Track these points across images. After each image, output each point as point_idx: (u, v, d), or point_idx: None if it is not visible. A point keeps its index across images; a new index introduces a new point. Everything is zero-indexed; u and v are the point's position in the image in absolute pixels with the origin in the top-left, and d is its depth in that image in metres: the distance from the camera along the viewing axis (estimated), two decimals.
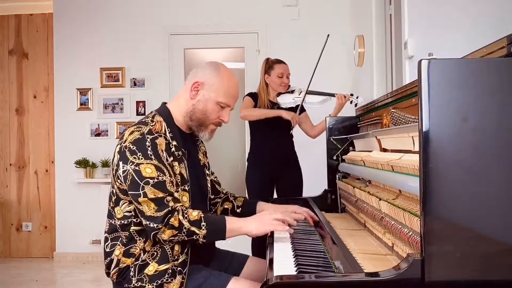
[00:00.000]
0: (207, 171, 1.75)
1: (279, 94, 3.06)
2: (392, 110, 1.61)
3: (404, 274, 0.96)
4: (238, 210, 1.79)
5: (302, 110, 3.10)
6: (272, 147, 3.03)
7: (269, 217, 1.47)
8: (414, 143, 1.34)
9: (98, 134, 4.37)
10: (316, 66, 2.98)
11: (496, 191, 0.94)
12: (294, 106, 3.00)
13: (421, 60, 0.95)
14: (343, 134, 2.26)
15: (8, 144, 4.61)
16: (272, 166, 3.03)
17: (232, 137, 4.89)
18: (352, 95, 2.98)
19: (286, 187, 3.07)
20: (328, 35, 3.00)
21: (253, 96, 3.10)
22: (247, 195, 3.18)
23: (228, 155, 5.03)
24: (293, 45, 4.14)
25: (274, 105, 3.05)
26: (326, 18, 4.18)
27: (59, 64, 4.40)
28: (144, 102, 4.31)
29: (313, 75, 2.99)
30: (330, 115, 2.54)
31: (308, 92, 3.01)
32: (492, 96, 0.94)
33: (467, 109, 0.94)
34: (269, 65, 3.09)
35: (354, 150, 2.20)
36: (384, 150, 1.71)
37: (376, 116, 1.91)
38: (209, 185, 1.74)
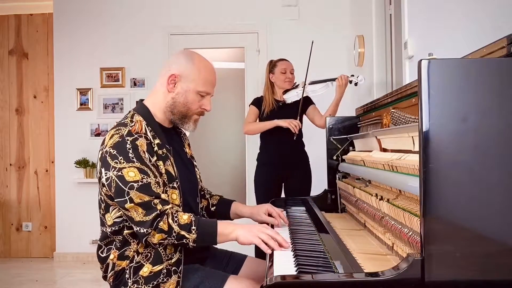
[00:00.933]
0: (194, 162, 1.73)
1: (285, 92, 3.08)
2: (392, 110, 1.61)
3: (404, 274, 0.96)
4: (212, 209, 1.78)
5: (310, 103, 3.11)
6: (280, 147, 3.03)
7: (259, 230, 1.40)
8: (414, 143, 1.34)
9: (98, 134, 4.37)
10: (307, 71, 2.99)
11: (496, 191, 0.94)
12: (298, 99, 3.01)
13: (421, 60, 0.95)
14: (343, 134, 2.26)
15: (8, 144, 4.61)
16: (280, 165, 3.04)
17: (232, 137, 4.89)
18: (352, 75, 2.98)
19: (293, 187, 3.07)
20: (313, 41, 3.01)
21: (257, 102, 3.14)
22: (254, 195, 3.19)
23: (228, 155, 5.03)
24: (293, 45, 4.13)
25: (279, 103, 3.07)
26: (326, 18, 4.19)
27: (59, 64, 4.40)
28: None
29: (306, 75, 2.99)
30: (330, 114, 2.54)
31: (310, 83, 3.03)
32: (492, 96, 0.94)
33: (467, 109, 0.94)
34: (273, 64, 3.16)
35: (354, 150, 2.20)
36: (384, 150, 1.71)
37: (376, 116, 1.91)
38: (198, 176, 1.72)
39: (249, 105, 3.19)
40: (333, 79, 3.00)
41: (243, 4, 4.26)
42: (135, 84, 4.34)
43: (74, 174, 4.34)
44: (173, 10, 4.31)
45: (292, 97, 3.04)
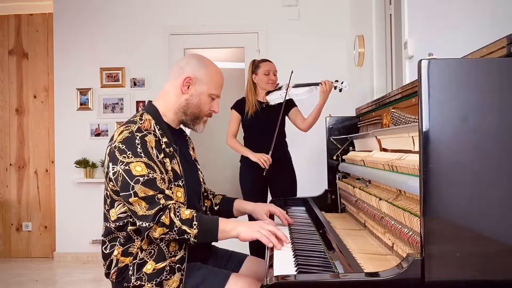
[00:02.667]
0: (198, 166, 1.76)
1: (268, 93, 3.07)
2: (392, 110, 1.61)
3: (404, 274, 0.96)
4: (216, 208, 1.80)
5: (293, 105, 3.11)
6: (263, 149, 3.01)
7: (260, 225, 1.43)
8: (414, 143, 1.34)
9: (98, 134, 4.37)
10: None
11: (496, 191, 0.94)
12: (282, 101, 3.00)
13: (421, 60, 0.95)
14: (343, 134, 2.26)
15: (8, 144, 4.61)
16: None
17: None
18: (337, 81, 2.93)
19: (279, 188, 3.07)
20: (292, 71, 2.96)
21: (239, 105, 3.12)
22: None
23: (227, 155, 5.03)
24: (293, 45, 4.14)
25: (262, 105, 3.06)
26: (326, 18, 4.19)
27: (59, 64, 4.40)
28: (144, 102, 4.31)
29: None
30: (330, 115, 2.54)
31: (294, 86, 3.01)
32: (492, 96, 0.94)
33: (467, 109, 0.94)
34: (256, 65, 3.12)
35: (354, 150, 2.20)
36: (384, 150, 1.71)
37: (376, 116, 1.91)
38: (201, 179, 1.74)
39: (231, 109, 3.14)
40: (317, 84, 2.97)
41: (243, 4, 4.26)
42: (135, 84, 4.34)
43: (74, 174, 4.34)
44: (173, 10, 4.31)
45: (275, 99, 3.03)
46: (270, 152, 2.90)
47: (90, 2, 4.38)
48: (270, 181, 3.10)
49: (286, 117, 3.12)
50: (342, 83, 2.91)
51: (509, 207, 0.94)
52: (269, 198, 3.16)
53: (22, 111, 4.61)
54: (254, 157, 2.93)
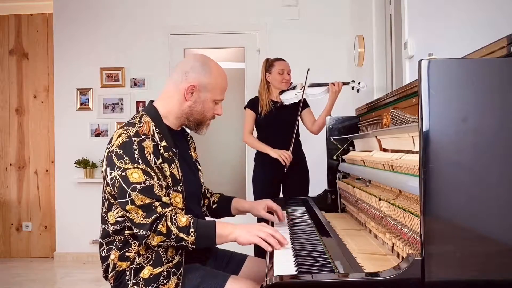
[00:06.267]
0: (199, 166, 1.75)
1: (281, 92, 3.06)
2: (392, 110, 1.61)
3: (404, 274, 0.96)
4: (213, 206, 1.80)
5: (306, 105, 3.11)
6: (278, 147, 3.02)
7: (258, 229, 1.41)
8: (414, 143, 1.34)
9: (98, 134, 4.37)
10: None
11: (496, 191, 0.94)
12: (296, 101, 3.00)
13: (421, 60, 0.95)
14: (343, 134, 2.26)
15: (8, 144, 4.61)
16: (278, 166, 3.03)
17: (232, 137, 4.89)
18: (353, 81, 2.98)
19: (292, 187, 3.06)
20: (308, 69, 2.96)
21: (253, 104, 3.11)
22: (252, 194, 3.18)
23: (228, 155, 5.03)
24: (293, 45, 4.14)
25: (276, 104, 3.05)
26: (326, 18, 4.19)
27: (59, 64, 4.40)
28: (144, 102, 4.31)
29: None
30: (330, 115, 2.54)
31: (310, 85, 3.01)
32: (492, 96, 0.94)
33: (467, 109, 0.94)
34: (270, 63, 3.12)
35: (354, 150, 2.20)
36: (384, 150, 1.71)
37: (376, 116, 1.91)
38: (201, 180, 1.73)
39: (245, 108, 3.15)
40: (332, 83, 2.98)
41: (243, 4, 4.26)
42: (135, 84, 4.34)
43: (74, 174, 4.34)
44: (173, 10, 4.31)
45: (290, 98, 3.02)
46: (290, 149, 2.90)
47: (90, 2, 4.37)
48: (284, 181, 3.09)
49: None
50: (359, 83, 2.94)
51: (509, 207, 0.94)
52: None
53: (22, 111, 4.61)
54: (275, 153, 2.90)
